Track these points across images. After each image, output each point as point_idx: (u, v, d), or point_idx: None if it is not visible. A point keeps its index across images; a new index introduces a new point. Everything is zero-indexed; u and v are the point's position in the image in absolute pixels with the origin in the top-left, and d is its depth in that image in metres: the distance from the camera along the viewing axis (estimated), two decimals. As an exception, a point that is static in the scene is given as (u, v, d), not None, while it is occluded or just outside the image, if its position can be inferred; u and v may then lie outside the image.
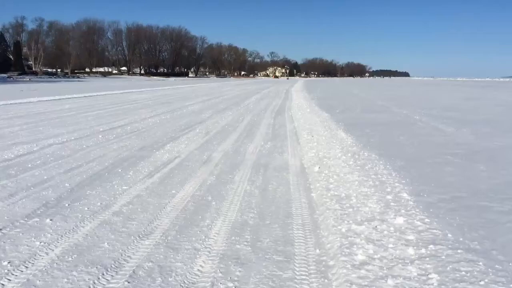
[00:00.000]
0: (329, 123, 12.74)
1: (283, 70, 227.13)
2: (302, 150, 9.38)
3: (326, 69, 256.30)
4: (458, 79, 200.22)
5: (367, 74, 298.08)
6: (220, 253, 4.02)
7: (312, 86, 55.75)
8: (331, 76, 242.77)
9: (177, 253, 4.02)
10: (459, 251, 3.60)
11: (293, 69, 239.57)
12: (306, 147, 9.54)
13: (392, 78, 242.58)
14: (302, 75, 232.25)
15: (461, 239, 3.86)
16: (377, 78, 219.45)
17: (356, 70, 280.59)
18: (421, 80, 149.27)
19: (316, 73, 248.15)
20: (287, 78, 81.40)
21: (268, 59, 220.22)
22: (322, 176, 6.70)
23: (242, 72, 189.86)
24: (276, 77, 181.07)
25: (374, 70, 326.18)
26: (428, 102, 24.83)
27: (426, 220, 4.34)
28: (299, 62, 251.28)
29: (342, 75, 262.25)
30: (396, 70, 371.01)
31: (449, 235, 3.95)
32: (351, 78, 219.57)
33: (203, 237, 4.41)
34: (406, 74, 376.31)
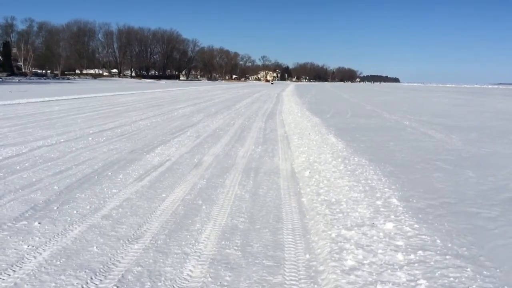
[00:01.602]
0: (320, 127, 12.79)
1: (275, 74, 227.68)
2: (292, 154, 9.40)
3: (317, 74, 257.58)
4: (448, 85, 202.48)
5: (357, 79, 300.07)
6: (210, 258, 4.01)
7: (303, 91, 55.94)
8: (322, 80, 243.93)
9: (167, 257, 4.00)
10: (447, 257, 3.63)
11: (285, 73, 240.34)
12: (297, 151, 9.56)
13: (383, 83, 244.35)
14: (293, 79, 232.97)
15: (449, 245, 3.90)
16: (368, 83, 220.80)
17: (346, 75, 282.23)
18: (411, 86, 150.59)
19: (307, 77, 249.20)
20: (272, 83, 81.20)
21: (259, 63, 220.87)
22: (313, 181, 6.72)
23: (234, 76, 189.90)
24: (268, 81, 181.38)
25: (365, 75, 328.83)
26: (418, 108, 25.05)
27: (415, 225, 4.37)
28: (291, 66, 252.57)
29: (333, 79, 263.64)
30: (387, 76, 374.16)
31: (438, 241, 3.98)
32: (342, 83, 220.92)
33: (193, 241, 4.40)
34: (396, 80, 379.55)
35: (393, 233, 4.21)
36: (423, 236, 4.09)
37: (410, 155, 8.48)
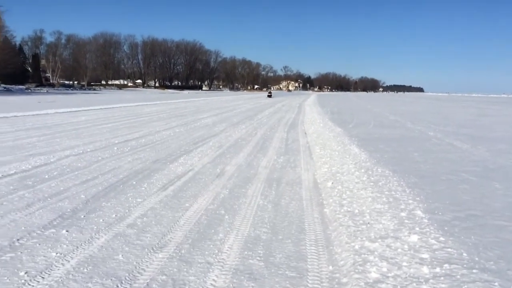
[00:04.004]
0: (342, 138, 12.72)
1: (296, 84, 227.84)
2: (315, 165, 9.38)
3: (339, 84, 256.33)
4: (474, 95, 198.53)
5: (380, 89, 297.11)
6: (233, 268, 4.03)
7: (325, 101, 55.76)
8: (344, 90, 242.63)
9: (191, 266, 4.05)
10: (474, 270, 3.56)
11: (306, 83, 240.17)
12: (319, 162, 9.54)
13: (406, 93, 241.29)
14: (315, 89, 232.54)
15: (476, 258, 3.82)
16: (391, 93, 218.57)
17: (369, 85, 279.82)
18: (435, 96, 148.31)
19: (329, 87, 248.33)
20: (269, 94, 71.35)
21: (281, 73, 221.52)
22: (335, 192, 6.69)
23: (256, 86, 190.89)
24: (289, 90, 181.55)
25: (388, 85, 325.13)
26: (442, 118, 24.65)
27: (441, 238, 4.30)
28: (312, 76, 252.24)
29: (355, 89, 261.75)
30: (410, 85, 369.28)
31: (464, 254, 3.91)
32: (364, 93, 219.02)
33: (216, 251, 4.44)
34: (420, 90, 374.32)
35: (418, 246, 4.15)
36: (449, 249, 4.02)
37: (435, 166, 8.35)
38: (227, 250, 4.47)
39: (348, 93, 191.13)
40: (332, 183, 7.29)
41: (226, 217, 5.59)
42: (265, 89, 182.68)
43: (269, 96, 72.83)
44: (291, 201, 6.44)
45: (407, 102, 60.80)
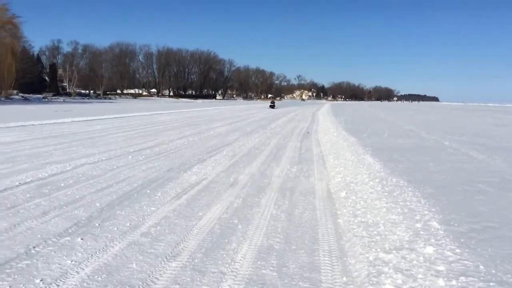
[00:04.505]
0: (356, 147, 12.65)
1: (310, 93, 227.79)
2: (328, 174, 9.34)
3: (353, 93, 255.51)
4: (490, 104, 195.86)
5: (395, 98, 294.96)
6: (246, 278, 4.02)
7: (338, 110, 55.59)
8: (358, 99, 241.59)
9: (204, 276, 4.05)
10: (491, 283, 3.49)
11: (320, 93, 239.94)
12: (333, 171, 9.49)
13: (421, 102, 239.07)
14: (329, 98, 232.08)
15: (493, 271, 3.75)
16: (405, 103, 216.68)
17: (383, 94, 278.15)
18: (450, 105, 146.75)
19: (343, 96, 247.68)
20: (272, 104, 52.11)
21: (295, 82, 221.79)
22: (349, 202, 6.64)
23: (269, 95, 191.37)
24: (303, 99, 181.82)
25: (402, 94, 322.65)
26: (458, 127, 24.37)
27: (457, 250, 4.23)
28: (326, 85, 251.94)
29: (370, 99, 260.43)
30: (425, 95, 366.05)
31: (481, 266, 3.84)
32: (379, 102, 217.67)
33: (229, 260, 4.43)
34: (435, 99, 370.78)
35: (434, 258, 4.09)
36: (465, 261, 3.96)
37: (451, 177, 8.24)
38: (240, 259, 4.46)
39: (362, 102, 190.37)
40: (346, 193, 7.25)
41: (239, 226, 5.59)
42: (278, 98, 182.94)
43: (272, 106, 58.18)
44: (304, 211, 6.41)
45: (422, 111, 60.29)
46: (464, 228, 4.98)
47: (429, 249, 4.27)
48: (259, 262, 4.40)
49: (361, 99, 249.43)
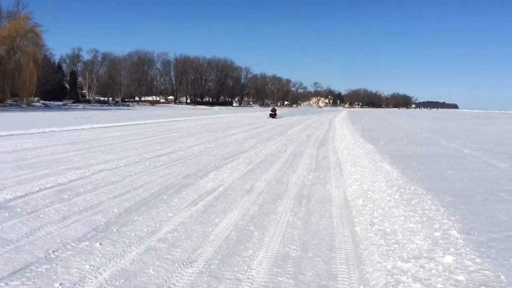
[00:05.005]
0: (373, 155, 12.55)
1: (326, 101, 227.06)
2: (345, 182, 9.27)
3: (370, 100, 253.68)
4: (511, 112, 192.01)
5: (413, 105, 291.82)
6: (262, 285, 4.01)
7: (355, 117, 55.24)
8: (376, 107, 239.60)
9: (220, 282, 4.05)
10: (513, 295, 3.41)
11: (337, 100, 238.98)
12: (350, 179, 9.42)
13: (440, 109, 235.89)
14: (346, 105, 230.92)
15: (516, 282, 3.66)
16: (424, 110, 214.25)
17: (401, 101, 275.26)
18: (470, 112, 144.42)
19: (360, 103, 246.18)
20: (273, 112, 46.77)
21: (311, 89, 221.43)
22: (367, 210, 6.58)
23: (286, 102, 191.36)
24: (320, 107, 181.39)
25: (421, 101, 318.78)
26: (478, 135, 23.95)
27: (477, 260, 4.15)
28: (343, 92, 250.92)
29: (387, 106, 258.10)
30: (444, 102, 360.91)
31: (502, 277, 3.76)
32: (396, 109, 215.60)
33: (246, 267, 4.43)
34: (454, 106, 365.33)
35: (453, 267, 4.02)
36: (486, 271, 3.88)
37: (471, 185, 8.10)
38: (257, 266, 4.46)
39: (379, 109, 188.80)
40: (363, 200, 7.18)
41: (256, 233, 5.59)
42: (294, 105, 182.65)
43: (272, 115, 43.19)
44: (321, 219, 6.37)
45: (441, 118, 59.50)
46: (485, 238, 4.89)
47: (449, 258, 4.20)
48: (275, 269, 4.38)
49: (379, 106, 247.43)
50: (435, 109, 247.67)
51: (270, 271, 4.33)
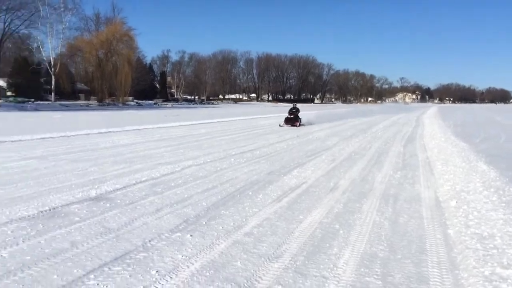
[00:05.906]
0: (467, 153, 11.73)
1: (414, 96, 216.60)
2: (436, 182, 8.80)
3: (463, 95, 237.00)
4: None
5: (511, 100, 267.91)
6: (349, 284, 3.96)
7: (446, 113, 51.96)
8: (469, 102, 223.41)
9: (306, 279, 4.07)
10: None
11: (425, 95, 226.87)
12: (441, 179, 8.92)
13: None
14: (435, 101, 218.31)
15: None
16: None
17: (498, 96, 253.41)
18: None
19: (451, 99, 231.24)
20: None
21: (397, 84, 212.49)
22: (460, 212, 6.19)
23: (369, 98, 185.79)
24: (406, 103, 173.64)
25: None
26: None
27: None
28: (432, 87, 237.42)
29: (482, 101, 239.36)
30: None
31: None
32: (493, 104, 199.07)
33: (331, 265, 4.40)
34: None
35: None
36: None
37: None
38: (343, 265, 4.41)
39: (473, 104, 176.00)
40: (457, 202, 6.76)
41: (341, 232, 5.52)
42: (379, 101, 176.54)
43: (290, 120, 26.38)
44: (410, 219, 6.12)
45: (546, 114, 53.87)
46: None
47: (558, 268, 3.83)
48: (362, 269, 4.30)
49: (473, 101, 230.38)
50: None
51: (357, 271, 4.26)
